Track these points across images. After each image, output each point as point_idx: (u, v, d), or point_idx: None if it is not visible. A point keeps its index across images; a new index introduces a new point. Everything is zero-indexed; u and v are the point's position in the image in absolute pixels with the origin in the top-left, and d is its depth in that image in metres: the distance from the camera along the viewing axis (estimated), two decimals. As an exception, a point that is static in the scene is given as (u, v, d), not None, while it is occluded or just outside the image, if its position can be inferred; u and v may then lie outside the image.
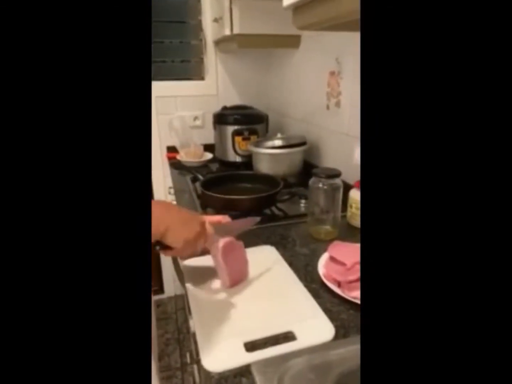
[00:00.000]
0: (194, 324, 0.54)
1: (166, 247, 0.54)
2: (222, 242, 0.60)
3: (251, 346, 0.48)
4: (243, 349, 0.48)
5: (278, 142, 1.19)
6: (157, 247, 0.54)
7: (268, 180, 1.04)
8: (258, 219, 0.72)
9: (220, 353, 0.47)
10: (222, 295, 0.60)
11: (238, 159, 1.43)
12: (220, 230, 0.61)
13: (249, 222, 0.70)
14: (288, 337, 0.50)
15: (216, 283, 0.63)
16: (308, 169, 1.13)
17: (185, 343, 1.61)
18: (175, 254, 0.55)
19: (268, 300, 0.59)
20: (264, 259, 0.70)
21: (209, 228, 0.58)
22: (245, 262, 0.65)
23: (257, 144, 1.23)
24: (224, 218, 0.65)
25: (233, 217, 0.67)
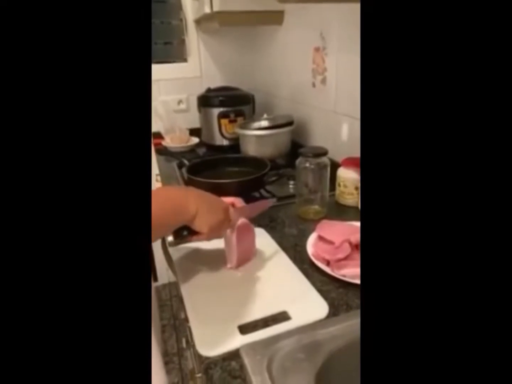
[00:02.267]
0: (187, 309, 0.53)
1: (192, 233, 0.53)
2: (238, 222, 0.60)
3: (245, 329, 0.48)
4: (237, 332, 0.47)
5: (264, 123, 1.16)
6: (185, 232, 0.53)
7: (256, 162, 1.02)
8: (273, 200, 0.74)
9: (214, 338, 0.47)
10: (214, 279, 0.60)
11: (225, 142, 1.41)
12: (237, 213, 0.60)
13: (265, 205, 0.70)
14: (282, 317, 0.50)
15: (208, 266, 0.63)
16: (296, 149, 1.11)
17: (180, 328, 1.62)
18: (200, 239, 0.55)
19: (260, 282, 0.58)
20: (256, 241, 0.69)
21: (232, 214, 0.58)
22: (253, 246, 0.65)
23: (244, 126, 1.20)
24: (237, 201, 0.64)
25: (246, 201, 0.66)
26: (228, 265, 0.62)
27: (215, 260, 0.63)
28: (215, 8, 1.15)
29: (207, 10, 1.19)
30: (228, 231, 0.60)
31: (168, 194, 0.52)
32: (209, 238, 0.55)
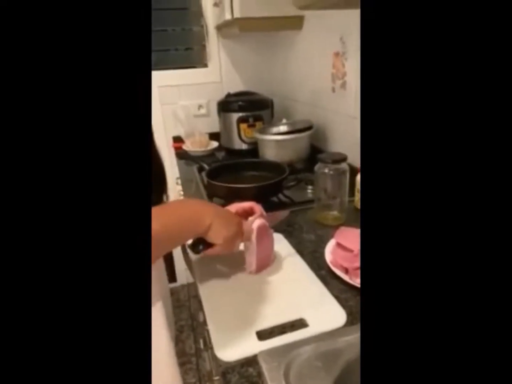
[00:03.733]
0: (205, 312, 0.54)
1: (207, 246, 0.54)
2: (257, 223, 0.60)
3: (263, 335, 0.48)
4: (255, 337, 0.48)
5: (283, 128, 1.17)
6: (200, 246, 0.54)
7: (274, 167, 1.02)
8: (286, 213, 0.74)
9: (233, 342, 0.48)
10: (233, 283, 0.60)
11: (244, 146, 1.42)
12: (249, 226, 0.61)
13: (277, 217, 0.71)
14: (300, 324, 0.50)
15: (227, 269, 0.63)
16: (315, 154, 1.11)
17: (198, 329, 1.64)
18: (215, 253, 0.56)
19: (278, 287, 0.59)
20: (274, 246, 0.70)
21: (246, 227, 0.59)
22: (272, 250, 0.65)
23: (262, 131, 1.21)
24: (255, 206, 0.65)
25: (265, 206, 0.67)
26: (248, 270, 0.62)
27: (234, 263, 0.64)
28: (236, 15, 1.17)
29: (227, 16, 1.20)
30: (247, 233, 0.60)
31: (184, 207, 0.53)
32: (223, 250, 0.56)
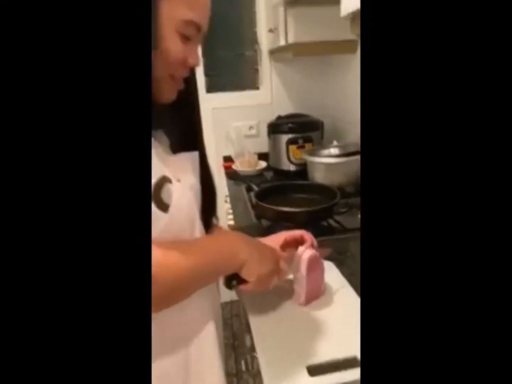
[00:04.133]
0: (255, 341, 0.54)
1: (241, 281, 0.53)
2: (308, 253, 0.59)
3: (314, 370, 0.47)
4: (305, 373, 0.47)
5: (334, 151, 1.16)
6: (234, 282, 0.53)
7: (324, 190, 1.01)
8: (328, 251, 0.70)
9: (283, 375, 0.47)
10: (283, 312, 0.59)
11: (292, 167, 1.42)
12: (288, 264, 0.59)
13: (322, 254, 0.68)
14: (351, 363, 0.48)
15: (277, 298, 0.62)
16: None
17: (240, 350, 1.63)
18: (248, 289, 0.54)
19: (329, 321, 0.57)
20: (325, 277, 0.68)
21: (283, 266, 0.56)
22: (323, 281, 0.63)
23: (312, 153, 1.21)
24: (305, 234, 0.64)
25: (314, 231, 0.66)
26: (297, 302, 0.61)
27: (284, 293, 0.63)
28: (290, 40, 1.20)
29: (282, 42, 1.24)
30: (294, 262, 0.60)
31: (220, 241, 0.52)
32: (257, 288, 0.54)
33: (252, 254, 0.51)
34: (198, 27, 0.46)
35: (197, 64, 0.49)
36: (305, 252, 0.59)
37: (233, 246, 0.51)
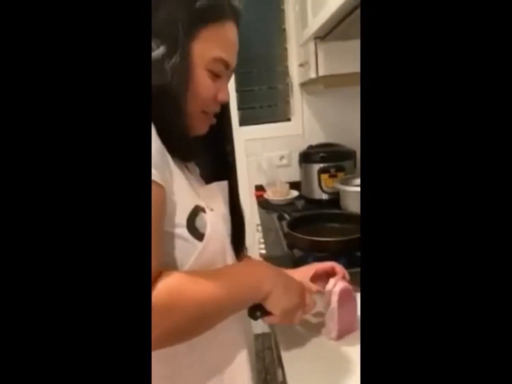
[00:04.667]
0: (287, 375, 0.52)
1: (265, 313, 0.51)
2: (339, 286, 0.57)
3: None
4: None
5: (367, 180, 1.14)
6: (258, 313, 0.51)
7: (357, 220, 0.99)
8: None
9: None
10: (315, 348, 0.58)
11: (324, 196, 1.42)
12: (314, 298, 0.57)
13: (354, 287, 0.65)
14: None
15: (309, 332, 0.61)
16: (402, 207, 1.05)
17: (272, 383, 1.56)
18: (273, 322, 0.53)
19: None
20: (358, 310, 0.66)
21: (309, 299, 0.54)
22: (355, 316, 0.61)
23: (345, 182, 1.20)
24: (336, 266, 0.62)
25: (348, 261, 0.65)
26: (329, 337, 0.59)
27: (318, 325, 0.61)
28: (321, 73, 1.24)
29: (312, 75, 1.28)
30: (325, 295, 0.58)
31: (245, 271, 0.51)
32: (281, 321, 0.52)
33: (277, 286, 0.50)
34: (226, 65, 0.48)
35: (226, 100, 0.51)
36: (337, 285, 0.58)
37: (258, 277, 0.50)
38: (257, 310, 0.51)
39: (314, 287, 0.60)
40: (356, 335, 0.59)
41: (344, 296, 0.58)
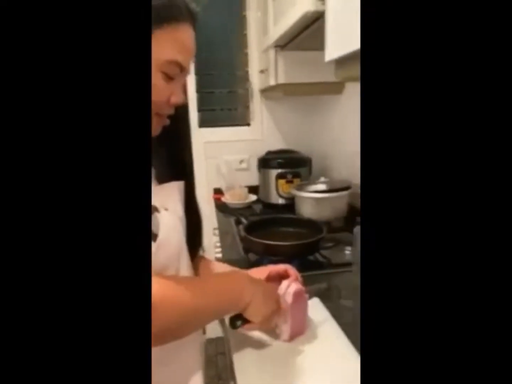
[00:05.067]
0: (237, 378, 0.53)
1: (245, 321, 0.53)
2: (293, 287, 0.58)
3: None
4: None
5: (321, 186, 1.19)
6: (239, 322, 0.53)
7: (311, 225, 1.02)
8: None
9: None
10: (267, 351, 0.58)
11: (281, 201, 1.45)
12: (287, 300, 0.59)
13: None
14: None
15: (260, 336, 0.61)
16: (353, 213, 1.10)
17: (224, 390, 1.55)
18: (253, 329, 0.55)
19: (314, 359, 0.56)
20: (310, 312, 0.68)
21: (283, 303, 0.57)
22: (306, 317, 0.63)
23: (300, 188, 1.23)
24: (290, 268, 0.64)
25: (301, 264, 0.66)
26: (281, 338, 0.60)
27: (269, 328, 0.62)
28: (280, 81, 1.26)
29: (272, 82, 1.30)
30: (282, 298, 0.59)
31: (224, 282, 0.52)
32: (261, 327, 0.54)
33: (257, 296, 0.51)
34: (181, 67, 0.47)
35: (180, 103, 0.50)
36: (291, 287, 0.59)
37: (238, 287, 0.51)
38: (238, 320, 0.53)
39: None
40: (307, 336, 0.61)
41: (297, 298, 0.59)
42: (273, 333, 0.61)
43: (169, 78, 0.46)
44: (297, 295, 0.59)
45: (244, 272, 0.58)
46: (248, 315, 0.52)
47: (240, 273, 0.58)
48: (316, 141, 1.69)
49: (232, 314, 0.54)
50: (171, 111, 0.50)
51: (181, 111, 0.54)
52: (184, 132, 0.59)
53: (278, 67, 1.25)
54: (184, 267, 0.53)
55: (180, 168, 0.59)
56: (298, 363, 0.55)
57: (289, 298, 0.58)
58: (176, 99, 0.49)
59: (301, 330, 0.61)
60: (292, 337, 0.59)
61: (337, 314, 0.67)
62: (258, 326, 0.53)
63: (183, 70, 0.48)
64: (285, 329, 0.59)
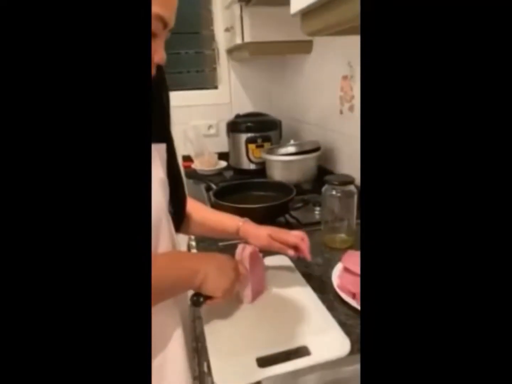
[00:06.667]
0: (206, 337, 0.53)
1: (206, 298, 0.52)
2: (248, 249, 0.59)
3: (263, 362, 0.47)
4: (255, 364, 0.47)
5: (291, 149, 1.18)
6: (201, 299, 0.52)
7: (281, 187, 1.02)
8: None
9: (232, 369, 0.46)
10: (234, 308, 0.59)
11: (252, 166, 1.43)
12: (246, 267, 0.59)
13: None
14: (301, 352, 0.49)
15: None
16: (323, 175, 1.10)
17: (202, 352, 1.60)
18: (216, 303, 0.54)
19: (281, 312, 0.58)
20: (278, 270, 0.69)
21: (242, 269, 0.57)
22: (264, 275, 0.64)
23: (270, 151, 1.22)
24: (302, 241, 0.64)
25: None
26: (244, 302, 0.60)
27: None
28: (246, 39, 1.20)
29: (238, 41, 1.24)
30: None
31: (176, 262, 0.51)
32: (223, 299, 0.53)
33: (211, 271, 0.51)
34: (164, 23, 0.44)
35: (162, 62, 0.47)
36: (245, 250, 0.59)
37: (191, 267, 0.50)
38: (200, 297, 0.52)
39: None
40: (277, 292, 0.62)
41: (254, 260, 0.59)
42: (236, 295, 0.60)
43: (152, 35, 0.43)
44: (253, 257, 0.59)
45: (194, 254, 0.57)
46: (207, 292, 0.51)
47: (190, 255, 0.57)
48: (286, 103, 1.66)
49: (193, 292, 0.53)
50: (153, 72, 0.47)
51: (159, 71, 0.51)
52: (164, 93, 0.57)
53: (244, 24, 1.19)
54: (165, 235, 0.51)
55: (161, 130, 0.56)
56: (265, 316, 0.56)
57: (246, 262, 0.58)
58: (159, 58, 0.46)
59: (262, 289, 0.62)
60: (254, 298, 0.60)
61: (306, 270, 0.69)
62: (220, 300, 0.53)
63: (166, 26, 0.45)
64: (247, 294, 0.59)
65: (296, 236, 0.64)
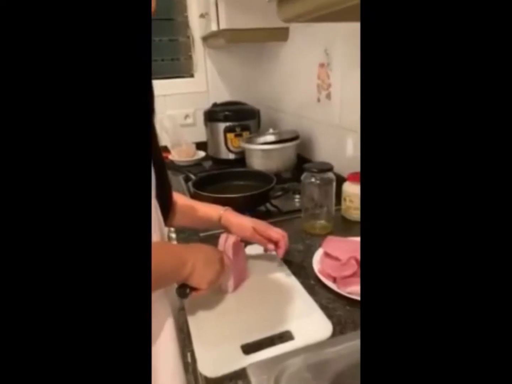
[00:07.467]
0: (190, 328, 0.53)
1: (192, 289, 0.52)
2: (232, 239, 0.59)
3: (248, 348, 0.48)
4: (240, 351, 0.47)
5: (270, 138, 1.18)
6: (187, 290, 0.52)
7: (261, 176, 1.03)
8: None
9: (217, 357, 0.47)
10: (217, 297, 0.59)
11: (231, 156, 1.42)
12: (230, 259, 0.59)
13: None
14: (285, 336, 0.50)
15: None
16: (302, 163, 1.11)
17: (186, 342, 1.60)
18: (201, 294, 0.54)
19: (264, 299, 0.58)
20: (259, 257, 0.69)
21: (226, 261, 0.57)
22: (246, 264, 0.64)
23: (249, 140, 1.22)
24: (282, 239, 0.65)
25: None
26: (228, 292, 0.60)
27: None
28: (222, 26, 1.18)
29: (214, 28, 1.21)
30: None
31: (163, 254, 0.49)
32: (208, 290, 0.54)
33: (198, 262, 0.51)
34: None
35: (153, 14, 0.45)
36: (228, 240, 0.59)
37: (178, 259, 0.50)
38: (185, 288, 0.52)
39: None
40: (259, 279, 0.63)
41: (236, 249, 0.60)
42: (219, 285, 0.60)
43: None
44: (235, 246, 0.59)
45: (181, 246, 0.58)
46: (193, 283, 0.51)
47: (177, 247, 0.57)
48: (264, 91, 1.65)
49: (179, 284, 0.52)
50: None
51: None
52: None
53: (219, 10, 1.17)
54: (155, 224, 0.50)
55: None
56: (248, 304, 0.57)
57: (229, 252, 0.58)
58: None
59: (244, 277, 0.63)
60: (236, 287, 0.61)
61: (287, 257, 0.69)
62: (205, 291, 0.53)
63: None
64: (230, 283, 0.59)
65: (278, 233, 0.66)
